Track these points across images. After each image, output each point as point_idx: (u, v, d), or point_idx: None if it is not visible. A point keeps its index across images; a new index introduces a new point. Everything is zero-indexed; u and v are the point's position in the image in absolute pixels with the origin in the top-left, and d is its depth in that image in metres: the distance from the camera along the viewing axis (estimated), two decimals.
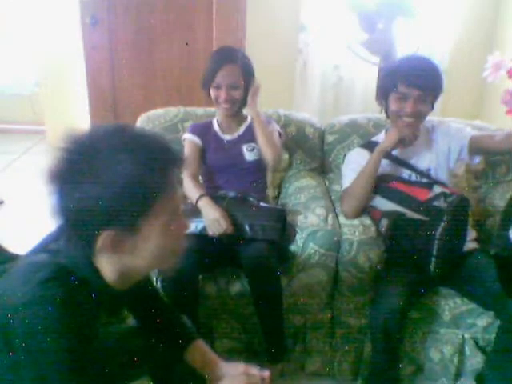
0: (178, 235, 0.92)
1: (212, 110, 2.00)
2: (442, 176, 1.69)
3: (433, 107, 1.65)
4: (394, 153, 1.69)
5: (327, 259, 1.58)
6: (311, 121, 2.09)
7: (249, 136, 1.79)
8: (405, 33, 2.68)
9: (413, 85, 1.56)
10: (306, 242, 1.60)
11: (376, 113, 2.09)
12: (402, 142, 1.63)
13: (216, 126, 1.85)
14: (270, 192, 1.99)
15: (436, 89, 1.61)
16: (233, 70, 1.68)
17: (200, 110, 2.07)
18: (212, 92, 1.72)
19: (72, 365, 0.82)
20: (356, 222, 1.63)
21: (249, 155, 1.79)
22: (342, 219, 1.66)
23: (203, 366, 1.11)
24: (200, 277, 1.56)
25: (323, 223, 1.61)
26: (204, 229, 1.59)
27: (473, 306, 1.56)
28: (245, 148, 1.79)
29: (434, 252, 1.49)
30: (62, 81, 3.55)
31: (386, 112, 1.69)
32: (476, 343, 1.56)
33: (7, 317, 0.79)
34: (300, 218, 1.68)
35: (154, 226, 0.84)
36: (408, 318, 1.54)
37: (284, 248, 1.64)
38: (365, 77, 2.96)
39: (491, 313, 1.53)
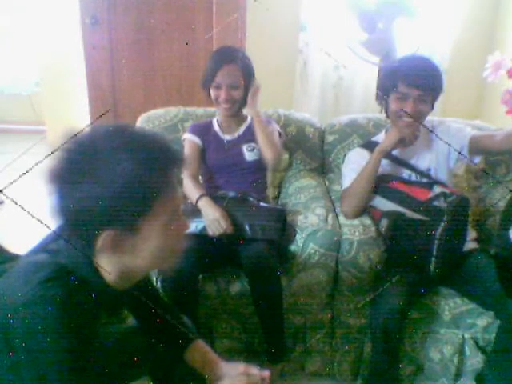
0: (178, 235, 0.92)
1: (212, 109, 2.00)
2: (442, 176, 1.69)
3: (433, 107, 1.65)
4: (394, 153, 1.69)
5: (327, 259, 1.58)
6: (311, 121, 2.09)
7: (249, 136, 1.79)
8: (405, 33, 2.68)
9: (413, 85, 1.56)
10: (305, 242, 1.60)
11: (376, 113, 2.09)
12: (402, 142, 1.63)
13: (216, 126, 1.85)
14: (270, 192, 1.99)
15: (436, 89, 1.61)
16: (233, 69, 1.68)
17: (200, 110, 2.07)
18: (212, 92, 1.72)
19: (72, 365, 0.82)
20: (356, 221, 1.63)
21: (249, 155, 1.79)
22: (342, 219, 1.66)
23: (203, 366, 1.11)
24: (200, 277, 1.56)
25: (323, 223, 1.61)
26: (204, 229, 1.59)
27: (473, 306, 1.56)
28: (245, 148, 1.79)
29: (434, 252, 1.49)
30: (62, 81, 3.56)
31: (386, 112, 1.69)
32: (476, 343, 1.56)
33: (7, 317, 0.79)
34: (300, 218, 1.68)
35: (154, 225, 0.84)
36: (408, 318, 1.53)
37: (284, 248, 1.64)
38: (365, 77, 2.96)
39: (491, 313, 1.53)
